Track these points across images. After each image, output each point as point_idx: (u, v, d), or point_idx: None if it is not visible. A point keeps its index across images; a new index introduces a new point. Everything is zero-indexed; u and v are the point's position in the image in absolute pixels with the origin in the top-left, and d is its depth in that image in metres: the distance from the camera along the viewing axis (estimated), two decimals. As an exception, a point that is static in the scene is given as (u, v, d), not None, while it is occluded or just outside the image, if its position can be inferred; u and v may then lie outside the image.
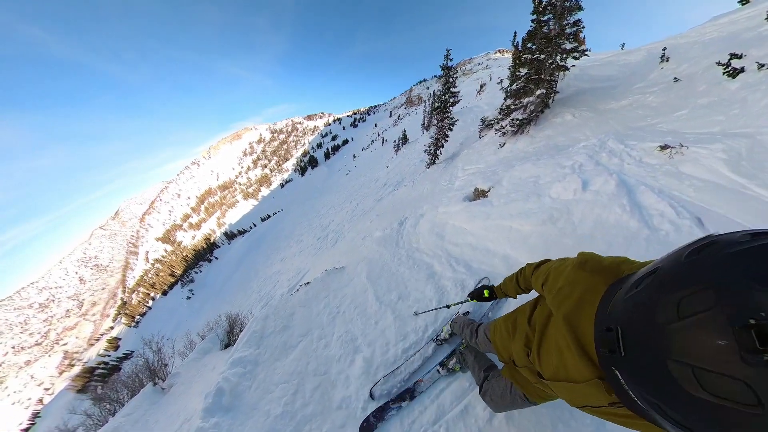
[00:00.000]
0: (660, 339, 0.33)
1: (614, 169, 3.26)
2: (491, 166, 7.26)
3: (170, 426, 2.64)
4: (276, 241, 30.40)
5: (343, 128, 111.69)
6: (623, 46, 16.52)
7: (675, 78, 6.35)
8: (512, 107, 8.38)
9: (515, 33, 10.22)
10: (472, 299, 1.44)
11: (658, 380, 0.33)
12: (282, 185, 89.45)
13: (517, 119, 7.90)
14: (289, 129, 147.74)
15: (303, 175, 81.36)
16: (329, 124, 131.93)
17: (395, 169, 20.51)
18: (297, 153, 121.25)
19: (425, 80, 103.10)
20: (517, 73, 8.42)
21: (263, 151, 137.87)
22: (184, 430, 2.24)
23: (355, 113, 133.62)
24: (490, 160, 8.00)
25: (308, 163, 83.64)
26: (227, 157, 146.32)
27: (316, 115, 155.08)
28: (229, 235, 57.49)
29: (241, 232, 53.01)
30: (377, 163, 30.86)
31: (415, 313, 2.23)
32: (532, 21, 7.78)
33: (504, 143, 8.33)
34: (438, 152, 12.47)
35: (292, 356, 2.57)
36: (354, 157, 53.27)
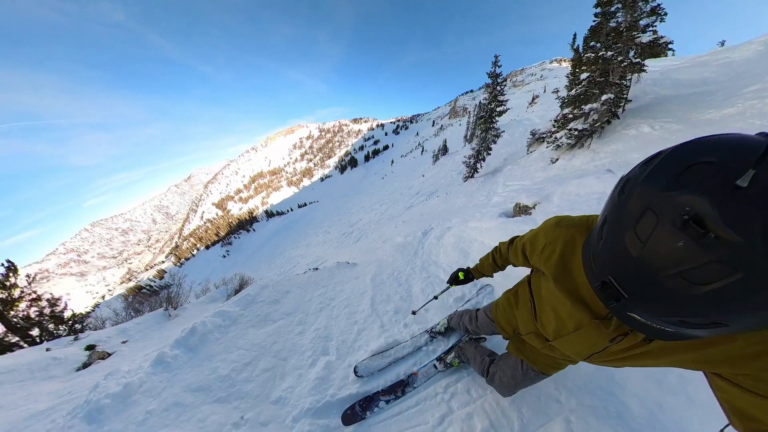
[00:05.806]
0: (643, 268, 0.35)
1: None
2: (538, 183, 6.01)
3: (159, 343, 2.89)
4: (306, 227, 31.45)
5: (386, 134, 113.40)
6: (723, 43, 13.02)
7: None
8: (570, 116, 6.90)
9: (575, 35, 8.04)
10: (450, 285, 1.33)
11: (666, 300, 0.34)
12: (322, 179, 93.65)
13: (576, 129, 6.38)
14: (336, 129, 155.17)
15: (342, 173, 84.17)
16: (372, 129, 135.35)
17: (431, 179, 19.69)
18: (340, 152, 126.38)
19: (472, 91, 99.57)
20: (577, 79, 6.87)
21: (310, 147, 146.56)
22: (158, 349, 2.46)
23: (398, 120, 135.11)
24: (538, 177, 6.72)
25: (348, 163, 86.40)
26: (280, 148, 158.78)
27: (361, 119, 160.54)
28: (269, 214, 61.70)
29: (279, 213, 56.40)
30: (414, 171, 30.24)
31: (413, 312, 1.95)
32: (596, 15, 6.23)
33: (557, 159, 6.95)
34: (478, 165, 11.45)
35: (266, 330, 2.47)
36: (392, 162, 53.50)
